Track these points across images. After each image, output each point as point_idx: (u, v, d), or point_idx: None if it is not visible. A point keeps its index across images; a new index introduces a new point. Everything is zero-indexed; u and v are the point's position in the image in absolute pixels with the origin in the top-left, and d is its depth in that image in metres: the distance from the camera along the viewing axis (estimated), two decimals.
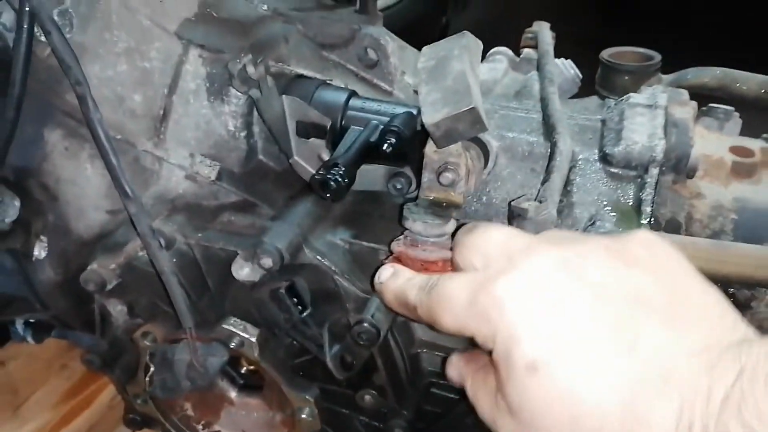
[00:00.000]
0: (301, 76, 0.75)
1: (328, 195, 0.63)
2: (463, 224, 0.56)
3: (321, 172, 0.62)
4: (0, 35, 0.65)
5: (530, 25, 1.06)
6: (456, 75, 0.59)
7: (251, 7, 0.80)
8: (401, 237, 0.63)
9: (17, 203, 0.69)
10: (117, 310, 0.78)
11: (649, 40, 0.97)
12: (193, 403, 0.81)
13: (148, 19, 0.71)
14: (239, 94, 0.71)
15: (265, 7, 0.80)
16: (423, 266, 0.58)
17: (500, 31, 1.15)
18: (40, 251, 0.73)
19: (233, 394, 0.81)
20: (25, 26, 0.63)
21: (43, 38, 0.64)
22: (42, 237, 0.72)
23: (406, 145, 0.68)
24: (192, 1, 0.74)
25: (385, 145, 0.66)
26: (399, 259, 0.62)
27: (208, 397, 0.81)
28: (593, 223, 0.67)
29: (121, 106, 0.69)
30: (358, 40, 0.78)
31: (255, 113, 0.73)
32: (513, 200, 0.64)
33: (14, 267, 0.74)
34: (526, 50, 0.99)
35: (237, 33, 0.75)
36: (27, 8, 0.61)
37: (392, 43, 0.78)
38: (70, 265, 0.74)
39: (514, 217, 0.60)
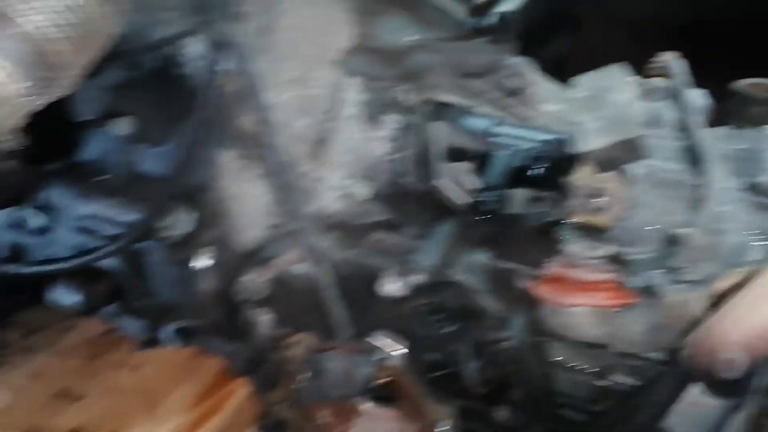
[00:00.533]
0: (446, 103, 0.80)
1: (480, 217, 0.67)
2: None
3: (474, 196, 0.66)
4: (185, 65, 0.73)
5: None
6: (618, 105, 0.63)
7: (398, 37, 0.85)
8: (554, 259, 0.66)
9: (190, 218, 0.75)
10: (264, 319, 0.83)
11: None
12: (328, 412, 0.85)
13: (312, 50, 0.77)
14: (392, 119, 0.77)
15: (412, 38, 0.86)
16: (583, 288, 0.61)
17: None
18: (203, 262, 0.79)
19: (366, 404, 0.84)
20: (214, 58, 0.70)
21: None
22: (207, 249, 0.78)
23: (552, 171, 0.71)
24: (350, 33, 0.80)
25: (533, 171, 0.70)
26: (553, 281, 0.65)
27: (343, 406, 0.85)
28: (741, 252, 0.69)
29: (286, 129, 0.75)
30: (500, 69, 0.82)
31: (404, 137, 0.78)
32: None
33: (178, 276, 0.80)
34: (653, 79, 1.01)
35: (389, 62, 0.80)
36: (217, 41, 0.68)
37: (532, 73, 0.82)
38: (228, 277, 0.80)
39: (674, 243, 0.62)
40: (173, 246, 0.76)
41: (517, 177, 0.73)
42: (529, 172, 0.72)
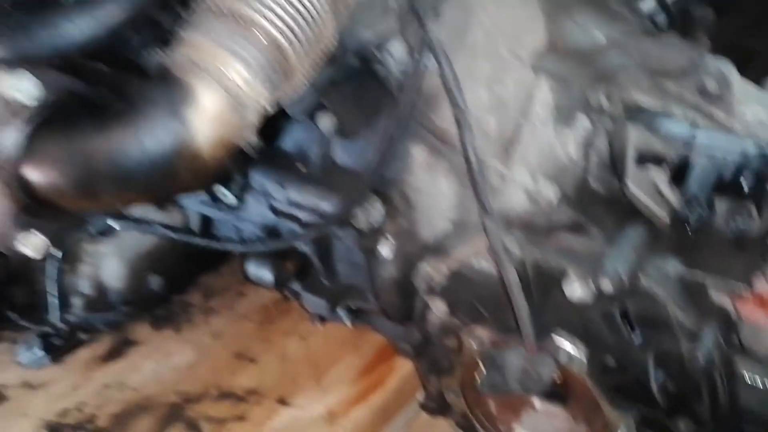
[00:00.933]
0: (640, 105, 0.78)
1: (674, 225, 0.65)
2: None
3: (682, 207, 0.64)
4: (387, 64, 0.76)
5: None
6: None
7: (590, 36, 0.83)
8: (754, 276, 0.63)
9: (381, 208, 0.79)
10: (438, 308, 0.86)
11: None
12: (497, 402, 0.88)
13: (507, 49, 0.77)
14: (585, 120, 0.76)
15: (602, 35, 0.84)
16: None
17: None
18: (386, 251, 0.83)
19: (537, 399, 0.86)
20: (413, 57, 0.72)
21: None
22: (391, 239, 0.82)
23: (755, 181, 0.68)
24: (542, 33, 0.80)
25: (734, 181, 0.67)
26: (752, 299, 0.62)
27: (512, 398, 0.87)
28: None
29: (478, 128, 0.76)
30: (698, 71, 0.78)
31: (595, 140, 0.77)
32: None
33: (362, 262, 0.85)
34: None
35: (581, 63, 0.79)
36: (416, 42, 0.70)
37: (736, 76, 0.78)
38: (409, 266, 0.84)
39: None
40: (361, 233, 0.80)
41: (717, 186, 0.70)
42: (730, 182, 0.69)
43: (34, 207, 0.57)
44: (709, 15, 0.85)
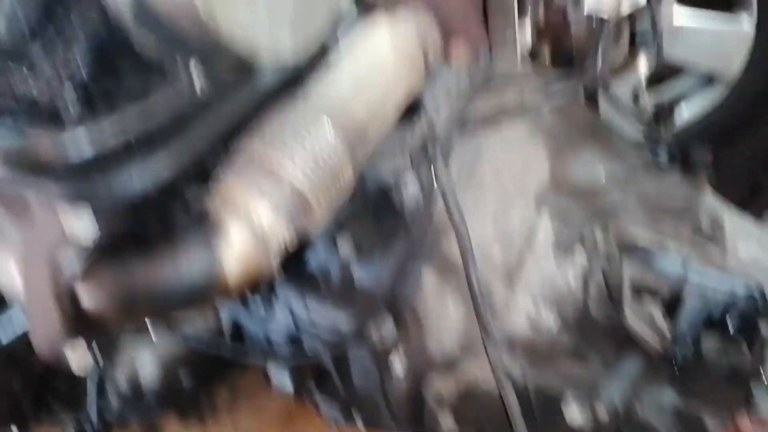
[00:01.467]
0: (637, 240, 0.83)
1: (670, 358, 0.69)
2: None
3: (669, 345, 0.69)
4: (401, 197, 0.84)
5: None
6: None
7: (590, 174, 0.90)
8: (747, 412, 0.66)
9: (393, 328, 0.85)
10: (446, 423, 0.90)
11: None
12: None
13: (513, 186, 0.85)
14: (582, 255, 0.82)
15: (603, 174, 0.91)
16: None
17: None
18: (399, 366, 0.88)
19: None
20: (426, 190, 0.80)
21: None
22: (403, 355, 0.88)
23: (748, 320, 0.72)
24: (546, 170, 0.88)
25: (729, 325, 0.71)
26: None
27: None
28: None
29: (484, 257, 0.83)
30: (693, 211, 0.84)
31: (593, 272, 0.83)
32: None
33: (376, 375, 0.90)
34: None
35: (581, 199, 0.86)
36: (433, 177, 0.79)
37: (729, 217, 0.83)
38: (419, 380, 0.89)
39: None
40: (375, 349, 0.86)
41: (711, 323, 0.74)
42: (723, 320, 0.73)
43: (81, 320, 0.66)
44: (706, 156, 0.91)
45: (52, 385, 1.25)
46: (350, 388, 0.94)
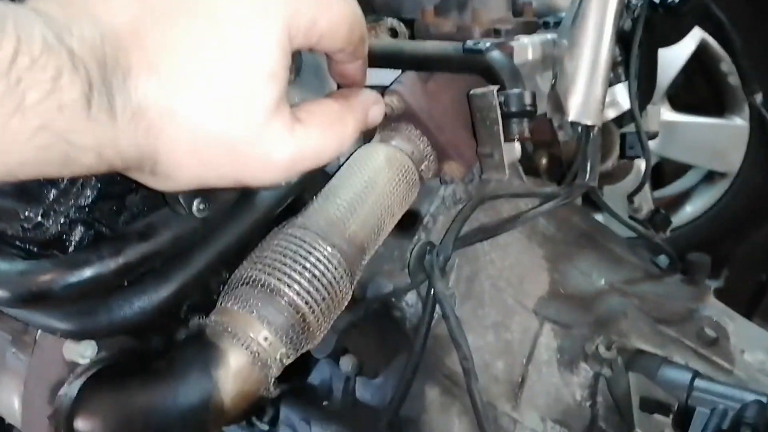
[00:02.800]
0: (641, 351, 0.82)
1: None
2: None
3: None
4: (402, 310, 0.85)
5: None
6: None
7: (590, 281, 0.91)
8: None
9: None
10: None
11: None
12: None
13: (512, 297, 0.85)
14: (587, 366, 0.81)
15: (603, 281, 0.91)
16: None
17: None
18: None
19: None
20: (426, 305, 0.81)
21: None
22: None
23: None
24: (544, 280, 0.88)
25: None
26: None
27: None
28: None
29: (487, 371, 0.83)
30: (696, 319, 0.84)
31: (599, 384, 0.82)
32: None
33: None
34: None
35: (581, 308, 0.86)
36: (432, 295, 0.79)
37: (732, 323, 0.83)
38: None
39: None
40: None
41: None
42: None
43: None
44: (706, 261, 0.92)
45: None
46: None
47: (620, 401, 0.78)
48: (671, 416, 0.76)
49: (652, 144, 2.20)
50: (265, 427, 0.99)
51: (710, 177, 2.03)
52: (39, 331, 0.65)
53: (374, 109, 0.61)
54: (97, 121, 0.38)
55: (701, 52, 1.90)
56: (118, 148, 0.41)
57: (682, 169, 2.09)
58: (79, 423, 0.64)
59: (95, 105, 0.38)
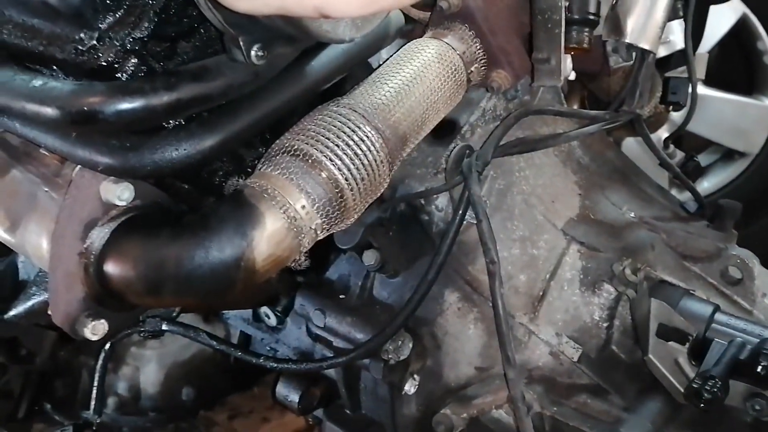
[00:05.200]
0: (665, 281, 0.82)
1: (702, 405, 0.67)
2: None
3: (698, 383, 0.67)
4: (431, 214, 0.84)
5: None
6: None
7: (620, 212, 0.91)
8: None
9: (410, 345, 0.83)
10: None
11: None
12: None
13: (542, 215, 0.85)
14: (610, 289, 0.81)
15: (632, 214, 0.91)
16: None
17: None
18: (411, 388, 0.86)
19: None
20: (456, 210, 0.80)
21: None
22: (416, 377, 0.85)
23: None
24: (575, 204, 0.88)
25: (760, 368, 0.69)
26: None
27: None
28: None
29: (509, 282, 0.82)
30: (723, 258, 0.84)
31: (618, 308, 0.82)
32: None
33: (386, 396, 0.88)
34: None
35: (610, 235, 0.86)
36: (466, 197, 0.79)
37: (758, 266, 0.83)
38: (431, 406, 0.86)
39: None
40: (388, 367, 0.84)
41: (736, 369, 0.72)
42: (746, 366, 0.71)
43: (104, 296, 0.65)
44: (737, 207, 0.91)
45: (51, 387, 1.22)
46: (358, 410, 0.91)
47: (639, 323, 0.78)
48: (687, 345, 0.77)
49: (676, 116, 2.17)
50: (273, 322, 0.99)
51: (730, 155, 2.01)
52: (76, 169, 0.63)
53: None
54: None
55: (740, 27, 1.87)
56: None
57: (702, 145, 2.07)
58: (110, 265, 0.64)
59: None
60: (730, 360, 0.72)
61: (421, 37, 0.82)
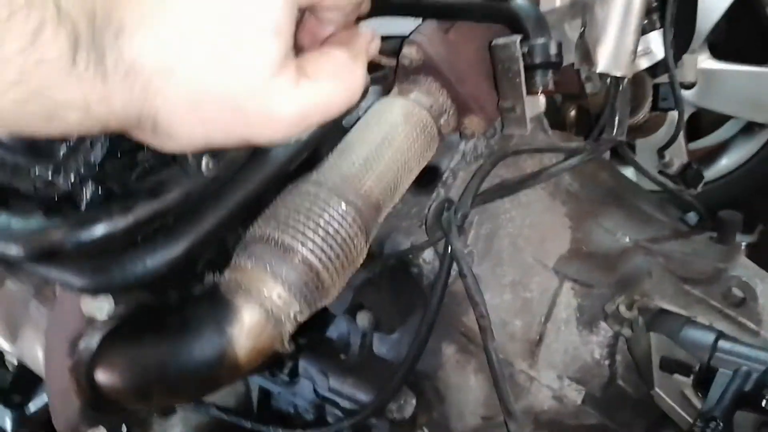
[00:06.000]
0: (664, 311, 0.81)
1: None
2: None
3: (699, 425, 0.65)
4: (420, 267, 0.84)
5: None
6: None
7: (614, 239, 0.89)
8: None
9: (413, 402, 0.84)
10: None
11: None
12: None
13: (531, 256, 0.84)
14: (607, 327, 0.79)
15: (628, 239, 0.89)
16: None
17: None
18: None
19: None
20: (443, 262, 0.80)
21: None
22: (424, 429, 0.86)
23: None
24: (566, 238, 0.86)
25: (765, 401, 0.67)
26: None
27: None
28: None
29: (504, 329, 0.82)
30: (724, 279, 0.81)
31: (618, 344, 0.80)
32: None
33: None
34: None
35: (604, 267, 0.84)
36: (449, 253, 0.78)
37: (761, 284, 0.80)
38: None
39: None
40: (396, 425, 0.84)
41: (744, 399, 0.70)
42: (757, 396, 0.69)
43: (100, 404, 0.67)
44: (738, 218, 0.89)
45: None
46: None
47: (640, 361, 0.76)
48: (692, 377, 0.75)
49: (688, 94, 2.11)
50: (287, 378, 1.01)
51: (749, 128, 1.95)
52: (59, 287, 0.66)
53: (372, 47, 0.59)
54: (82, 78, 0.37)
55: None
56: (111, 106, 0.40)
57: (719, 120, 2.01)
58: (99, 376, 0.66)
59: (82, 62, 0.37)
60: (735, 393, 0.70)
61: (390, 90, 0.82)
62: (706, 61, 1.89)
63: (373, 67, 0.89)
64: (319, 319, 0.94)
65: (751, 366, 0.72)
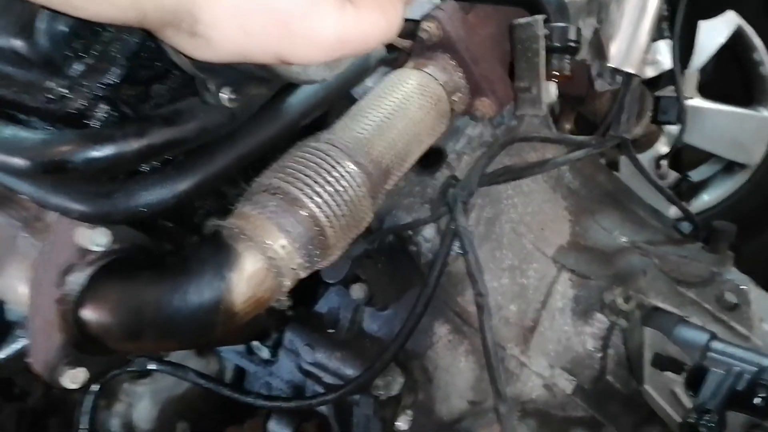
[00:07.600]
0: (658, 309, 0.81)
1: None
2: None
3: (694, 417, 0.65)
4: (418, 245, 0.83)
5: None
6: None
7: (611, 237, 0.89)
8: None
9: (401, 380, 0.82)
10: None
11: None
12: None
13: (531, 243, 0.84)
14: (602, 318, 0.79)
15: (624, 239, 0.89)
16: None
17: None
18: (404, 423, 0.84)
19: None
20: (443, 241, 0.79)
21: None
22: (408, 411, 0.84)
23: None
24: (565, 230, 0.86)
25: (758, 399, 0.67)
26: None
27: None
28: None
29: (499, 312, 0.81)
30: (717, 282, 0.82)
31: (612, 337, 0.80)
32: None
33: (378, 429, 0.86)
34: None
35: (601, 261, 0.84)
36: (453, 228, 0.77)
37: (754, 291, 0.81)
38: None
39: None
40: (380, 402, 0.83)
41: (733, 400, 0.70)
42: (748, 396, 0.69)
43: (83, 343, 0.64)
44: (731, 229, 0.90)
45: (45, 425, 1.21)
46: None
47: (633, 353, 0.76)
48: (683, 375, 0.75)
49: (673, 129, 2.15)
50: (266, 355, 0.98)
51: (730, 167, 2.00)
52: (55, 215, 0.63)
53: None
54: None
55: (736, 39, 1.86)
56: None
57: (701, 157, 2.06)
58: (87, 312, 0.63)
59: None
60: (727, 391, 0.70)
61: (404, 65, 0.82)
62: (693, 99, 1.94)
63: (387, 48, 0.90)
64: (308, 293, 0.92)
65: (743, 367, 0.72)
